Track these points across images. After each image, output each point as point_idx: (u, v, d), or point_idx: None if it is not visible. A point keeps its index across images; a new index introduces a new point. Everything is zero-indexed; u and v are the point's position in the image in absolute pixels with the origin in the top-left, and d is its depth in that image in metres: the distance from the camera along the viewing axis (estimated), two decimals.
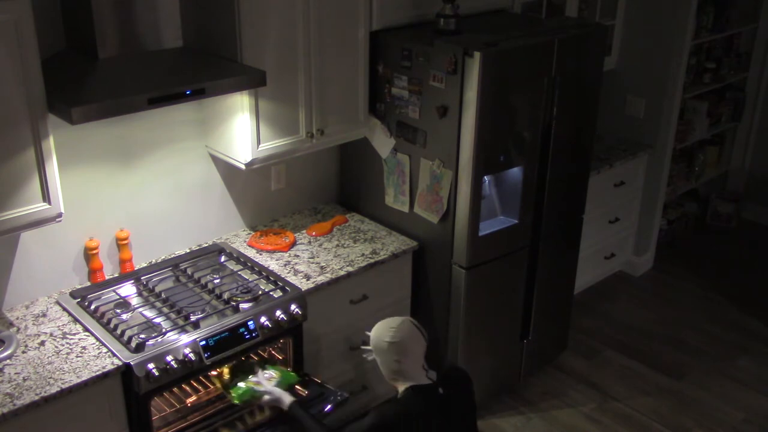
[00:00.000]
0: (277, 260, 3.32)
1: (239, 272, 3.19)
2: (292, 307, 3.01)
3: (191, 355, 2.71)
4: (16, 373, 2.57)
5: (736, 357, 4.29)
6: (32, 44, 2.39)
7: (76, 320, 2.85)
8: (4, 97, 2.39)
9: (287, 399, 2.78)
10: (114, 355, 2.65)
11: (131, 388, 2.65)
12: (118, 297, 3.00)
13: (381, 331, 2.58)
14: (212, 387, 2.98)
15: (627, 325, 4.55)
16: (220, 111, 3.13)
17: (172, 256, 3.33)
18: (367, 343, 2.68)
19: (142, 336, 2.72)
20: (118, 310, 2.91)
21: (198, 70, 2.79)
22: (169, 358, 2.67)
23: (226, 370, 2.89)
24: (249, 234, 3.53)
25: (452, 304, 3.49)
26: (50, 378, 2.54)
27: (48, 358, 2.65)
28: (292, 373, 3.00)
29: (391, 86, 3.38)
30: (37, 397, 2.45)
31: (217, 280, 3.14)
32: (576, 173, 3.71)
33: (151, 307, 2.96)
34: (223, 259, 3.31)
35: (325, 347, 3.30)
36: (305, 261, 3.31)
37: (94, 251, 3.06)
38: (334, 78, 3.26)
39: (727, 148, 5.76)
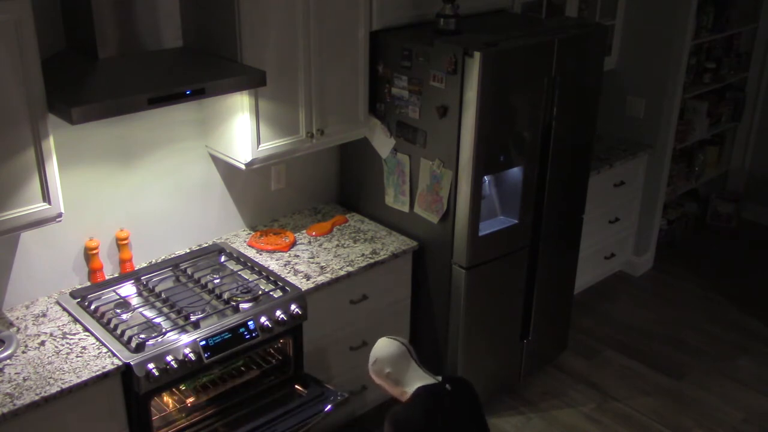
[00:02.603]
0: (277, 260, 3.32)
1: (239, 272, 3.19)
2: (292, 307, 3.01)
3: (191, 355, 2.71)
4: (16, 373, 2.57)
5: (736, 357, 4.29)
6: (32, 44, 2.39)
7: (76, 320, 2.85)
8: (4, 97, 2.39)
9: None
10: (114, 355, 2.65)
11: (131, 388, 2.65)
12: (118, 297, 3.00)
13: (371, 358, 2.75)
14: (212, 387, 2.99)
15: (627, 325, 4.54)
16: (220, 111, 3.13)
17: (172, 256, 3.33)
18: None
19: (142, 336, 2.72)
20: (118, 310, 2.91)
21: (198, 70, 2.79)
22: (169, 358, 2.67)
23: None
24: (249, 234, 3.53)
25: (452, 304, 3.48)
26: (50, 378, 2.54)
27: (48, 358, 2.65)
28: None
29: (391, 86, 3.38)
30: (37, 397, 2.45)
31: (217, 280, 3.14)
32: (576, 173, 3.71)
33: (151, 307, 2.96)
34: (223, 259, 3.31)
35: (325, 347, 3.30)
36: (305, 261, 3.31)
37: (94, 251, 3.06)
38: (334, 78, 3.26)
39: (727, 148, 5.76)
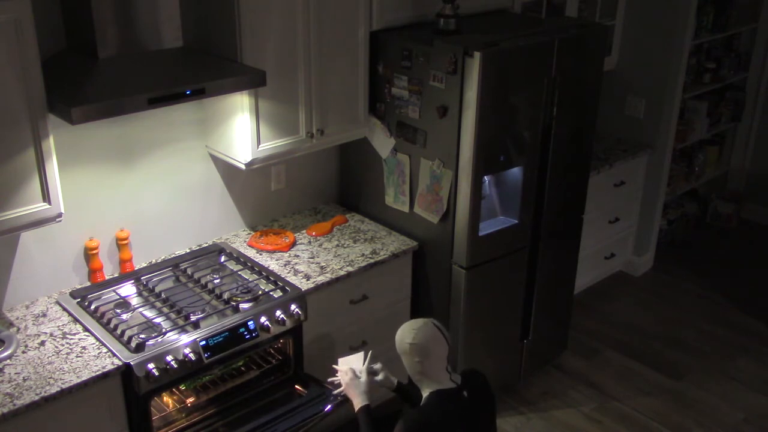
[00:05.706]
0: (277, 260, 3.32)
1: (239, 272, 3.19)
2: (292, 307, 3.01)
3: (191, 355, 2.71)
4: (16, 373, 2.57)
5: (736, 357, 4.29)
6: (32, 44, 2.39)
7: (76, 320, 2.85)
8: (4, 97, 2.39)
9: (362, 400, 2.69)
10: (114, 355, 2.65)
11: (131, 388, 2.65)
12: (118, 297, 3.00)
13: (404, 333, 2.55)
14: (212, 387, 2.99)
15: (627, 325, 4.54)
16: (220, 111, 3.13)
17: (172, 256, 3.33)
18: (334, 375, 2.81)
19: (142, 336, 2.72)
20: (118, 310, 2.91)
21: (198, 70, 2.79)
22: (169, 358, 2.67)
23: None
24: (249, 234, 3.53)
25: (452, 304, 3.48)
26: (50, 378, 2.54)
27: (48, 358, 2.65)
28: None
29: (391, 86, 3.38)
30: (37, 397, 2.45)
31: (217, 280, 3.14)
32: (576, 173, 3.71)
33: (151, 307, 2.96)
34: (223, 259, 3.31)
35: (325, 347, 3.30)
36: (305, 261, 3.31)
37: (94, 251, 3.06)
38: (334, 78, 3.26)
39: (727, 148, 5.76)
